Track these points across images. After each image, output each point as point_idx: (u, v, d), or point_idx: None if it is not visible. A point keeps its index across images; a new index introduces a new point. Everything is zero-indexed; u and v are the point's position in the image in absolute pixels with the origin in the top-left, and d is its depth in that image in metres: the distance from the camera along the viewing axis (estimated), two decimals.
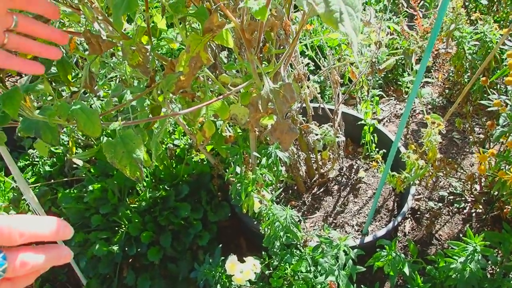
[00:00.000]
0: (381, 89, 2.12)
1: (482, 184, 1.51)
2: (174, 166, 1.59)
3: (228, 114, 1.13)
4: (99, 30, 1.15)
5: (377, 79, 2.08)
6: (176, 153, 1.62)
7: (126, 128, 0.84)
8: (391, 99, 2.18)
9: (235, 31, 1.11)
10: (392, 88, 2.24)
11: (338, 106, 1.51)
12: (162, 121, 1.24)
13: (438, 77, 2.08)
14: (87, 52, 1.45)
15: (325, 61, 1.67)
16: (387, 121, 2.06)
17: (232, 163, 1.20)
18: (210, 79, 1.16)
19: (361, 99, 1.62)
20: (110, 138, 0.80)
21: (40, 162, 1.87)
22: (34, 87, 0.83)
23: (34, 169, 1.87)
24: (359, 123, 1.66)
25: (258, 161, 1.32)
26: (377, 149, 1.69)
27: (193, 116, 1.14)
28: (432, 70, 2.14)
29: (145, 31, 1.07)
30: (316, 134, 1.30)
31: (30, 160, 1.92)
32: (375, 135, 1.66)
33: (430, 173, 1.22)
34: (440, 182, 1.70)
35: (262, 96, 0.83)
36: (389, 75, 2.19)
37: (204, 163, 1.61)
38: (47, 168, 1.82)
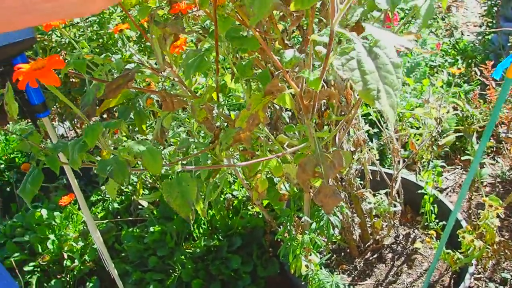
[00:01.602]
0: (443, 160, 2.06)
1: None
2: (230, 216, 1.65)
3: (282, 172, 1.18)
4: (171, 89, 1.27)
5: (444, 147, 2.04)
6: (233, 204, 1.69)
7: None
8: (457, 168, 2.12)
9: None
10: (459, 156, 2.18)
11: (397, 174, 1.50)
12: (222, 176, 1.31)
13: (510, 150, 1.99)
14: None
15: (388, 125, 1.68)
16: (451, 191, 2.00)
17: (284, 222, 1.24)
18: (270, 140, 1.22)
19: (421, 168, 1.60)
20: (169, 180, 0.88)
21: (110, 199, 2.01)
22: (114, 124, 0.93)
23: (104, 204, 2.01)
24: (419, 191, 1.63)
25: (311, 221, 1.34)
26: (436, 220, 1.64)
27: (249, 171, 1.21)
28: (503, 142, 2.06)
29: (215, 89, 1.16)
30: (369, 203, 1.31)
31: (102, 195, 2.08)
32: (435, 205, 1.61)
33: (489, 255, 1.17)
34: (503, 263, 1.60)
35: (310, 159, 0.88)
36: (457, 143, 2.14)
37: (260, 216, 1.66)
38: (116, 205, 1.95)
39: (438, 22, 3.28)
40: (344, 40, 0.73)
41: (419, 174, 1.66)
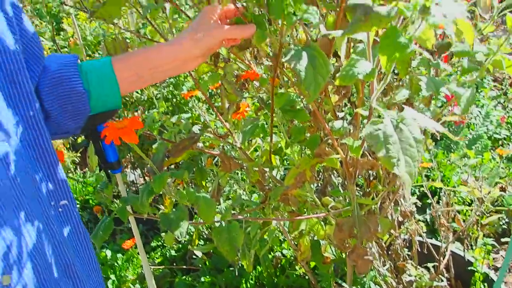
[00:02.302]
0: (498, 237, 1.99)
1: None
2: (276, 275, 1.71)
3: (324, 233, 1.25)
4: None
5: (502, 223, 1.98)
6: (281, 263, 1.75)
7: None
8: None
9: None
10: None
11: (445, 248, 1.50)
12: (271, 233, 1.40)
13: None
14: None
15: (440, 198, 1.69)
16: (508, 270, 1.92)
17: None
18: (317, 204, 1.30)
19: (470, 244, 1.58)
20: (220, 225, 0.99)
21: (168, 246, 2.15)
22: (179, 174, 1.07)
23: (162, 250, 2.15)
24: (470, 268, 1.60)
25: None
26: None
27: (292, 229, 1.29)
28: None
29: (269, 153, 1.28)
30: (410, 275, 1.32)
31: (161, 242, 2.22)
32: (486, 284, 1.57)
33: None
34: None
35: (347, 219, 0.96)
36: None
37: (306, 278, 1.70)
38: (173, 252, 2.08)
39: (506, 94, 3.25)
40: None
41: (471, 249, 1.64)
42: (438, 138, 2.57)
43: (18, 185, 0.51)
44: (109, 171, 1.22)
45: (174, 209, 1.07)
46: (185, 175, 1.15)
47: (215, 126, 1.81)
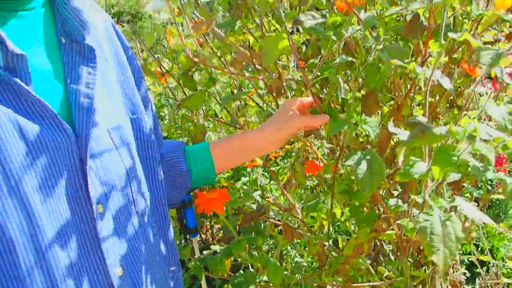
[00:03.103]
0: None
1: None
2: None
3: None
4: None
5: None
6: None
7: None
8: None
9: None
10: None
11: None
12: None
13: None
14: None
15: (488, 268, 1.74)
16: None
17: None
18: (370, 272, 1.42)
19: None
20: None
21: None
22: (253, 239, 1.23)
23: None
24: None
25: None
26: None
27: None
28: None
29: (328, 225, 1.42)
30: None
31: None
32: None
33: None
34: None
35: None
36: None
37: None
38: None
39: None
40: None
41: None
42: (487, 207, 2.60)
43: (148, 254, 0.68)
44: (188, 236, 1.40)
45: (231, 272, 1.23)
46: (259, 241, 1.33)
47: (269, 189, 1.98)
